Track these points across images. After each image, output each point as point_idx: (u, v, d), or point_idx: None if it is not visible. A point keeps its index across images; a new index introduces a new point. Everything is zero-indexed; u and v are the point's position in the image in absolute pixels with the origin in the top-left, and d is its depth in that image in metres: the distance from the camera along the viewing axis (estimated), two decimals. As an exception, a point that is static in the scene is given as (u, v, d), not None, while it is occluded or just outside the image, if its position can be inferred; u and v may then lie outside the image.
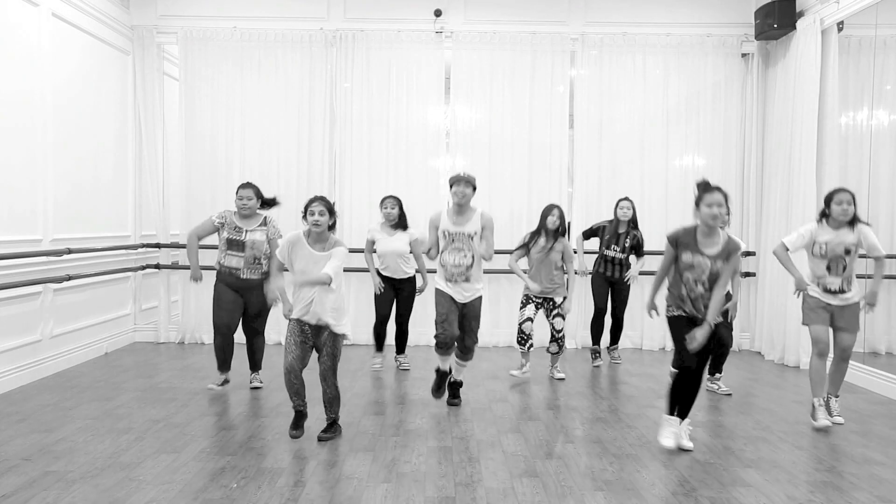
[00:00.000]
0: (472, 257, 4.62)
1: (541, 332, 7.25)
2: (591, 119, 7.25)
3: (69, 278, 5.73)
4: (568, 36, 7.24)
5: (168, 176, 7.34)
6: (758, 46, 7.20)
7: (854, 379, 5.77)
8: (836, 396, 4.66)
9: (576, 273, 6.04)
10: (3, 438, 4.05)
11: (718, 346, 5.05)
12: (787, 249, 4.58)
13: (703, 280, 3.85)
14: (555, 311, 5.64)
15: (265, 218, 5.14)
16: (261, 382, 5.33)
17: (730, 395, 5.29)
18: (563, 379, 5.75)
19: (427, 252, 4.79)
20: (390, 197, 5.93)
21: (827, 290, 4.49)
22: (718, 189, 3.82)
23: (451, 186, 4.65)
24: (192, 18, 7.16)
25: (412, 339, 6.55)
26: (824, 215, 4.53)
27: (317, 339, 4.08)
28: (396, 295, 5.95)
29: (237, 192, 5.11)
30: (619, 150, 7.26)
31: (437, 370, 4.85)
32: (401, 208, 5.87)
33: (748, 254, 7.24)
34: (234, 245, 5.02)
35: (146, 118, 7.14)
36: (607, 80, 7.26)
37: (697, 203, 3.86)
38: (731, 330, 5.26)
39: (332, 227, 4.09)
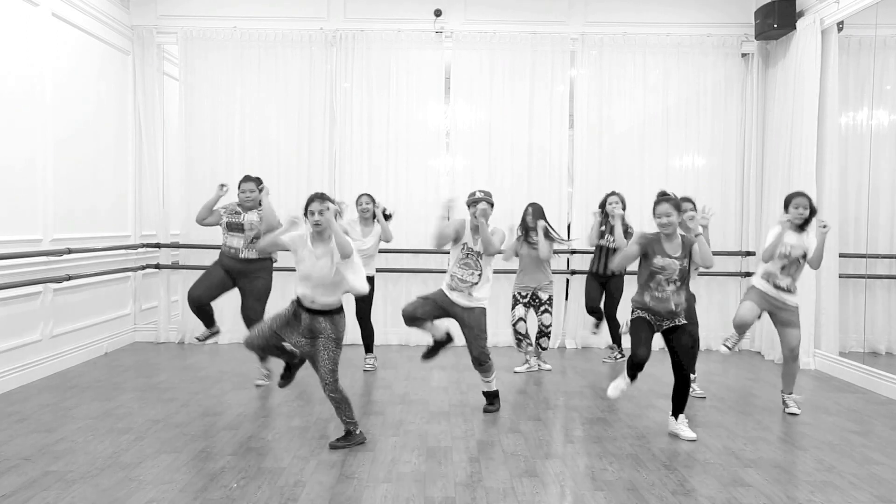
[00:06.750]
0: (479, 276, 4.66)
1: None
2: (591, 119, 7.24)
3: (69, 278, 5.73)
4: (568, 36, 7.24)
5: (168, 176, 7.35)
6: (758, 46, 7.20)
7: (854, 379, 5.78)
8: (790, 393, 4.85)
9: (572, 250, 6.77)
10: (3, 438, 4.05)
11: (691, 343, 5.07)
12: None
13: (674, 279, 4.13)
14: (542, 308, 5.97)
15: (260, 204, 5.38)
16: (266, 380, 5.33)
17: (703, 398, 5.19)
18: (549, 370, 6.08)
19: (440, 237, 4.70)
20: (365, 194, 6.01)
21: (776, 287, 4.69)
22: (666, 199, 4.17)
23: (470, 206, 4.69)
24: (192, 18, 7.16)
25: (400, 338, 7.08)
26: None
27: (310, 346, 3.92)
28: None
29: (239, 186, 5.39)
30: (619, 150, 7.26)
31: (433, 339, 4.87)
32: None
33: (748, 253, 7.24)
34: (234, 227, 5.33)
35: (146, 118, 7.14)
36: (607, 80, 7.26)
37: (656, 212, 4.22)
38: (697, 327, 5.01)
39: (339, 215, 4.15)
